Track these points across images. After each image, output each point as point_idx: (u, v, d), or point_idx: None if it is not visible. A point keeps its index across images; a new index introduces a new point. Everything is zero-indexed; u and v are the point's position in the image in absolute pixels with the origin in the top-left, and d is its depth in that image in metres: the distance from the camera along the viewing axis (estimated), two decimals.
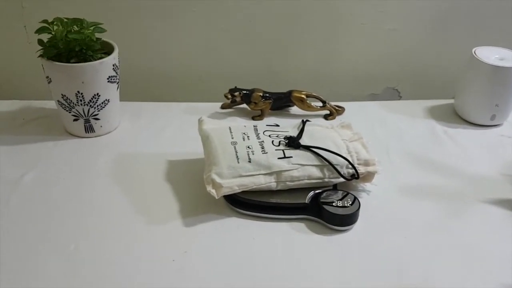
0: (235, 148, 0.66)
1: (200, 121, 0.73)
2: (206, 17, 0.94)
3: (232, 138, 0.68)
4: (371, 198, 0.69)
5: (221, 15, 0.94)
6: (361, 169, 0.68)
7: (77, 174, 0.72)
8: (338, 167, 0.67)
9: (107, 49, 0.78)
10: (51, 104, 0.82)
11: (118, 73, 0.79)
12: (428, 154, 0.80)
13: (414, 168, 0.77)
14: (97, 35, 0.76)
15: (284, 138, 0.69)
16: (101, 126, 0.80)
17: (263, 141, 0.68)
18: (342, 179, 0.67)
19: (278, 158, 0.66)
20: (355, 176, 0.68)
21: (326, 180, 0.67)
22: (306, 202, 0.65)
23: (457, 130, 0.87)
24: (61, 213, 0.65)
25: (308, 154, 0.67)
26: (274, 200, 0.65)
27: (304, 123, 0.73)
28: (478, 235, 0.64)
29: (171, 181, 0.71)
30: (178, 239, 0.62)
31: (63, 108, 0.77)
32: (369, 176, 0.70)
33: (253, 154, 0.66)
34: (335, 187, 0.68)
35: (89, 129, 0.80)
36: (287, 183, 0.65)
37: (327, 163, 0.66)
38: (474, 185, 0.73)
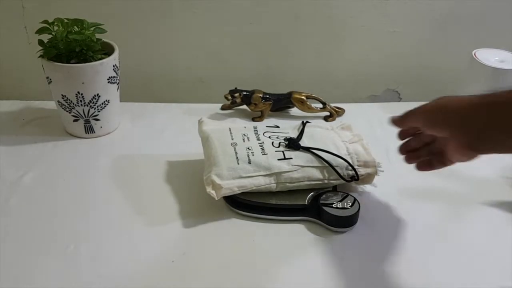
0: (235, 149, 0.66)
1: (200, 122, 0.73)
2: (206, 18, 0.94)
3: (232, 139, 0.68)
4: (371, 200, 0.69)
5: (221, 16, 0.94)
6: (361, 171, 0.68)
7: (77, 175, 0.72)
8: (338, 169, 0.67)
9: (107, 50, 0.78)
10: (51, 105, 0.82)
11: (118, 73, 0.79)
12: None
13: (414, 170, 0.76)
14: (98, 35, 0.76)
15: (284, 140, 0.69)
16: (101, 127, 0.80)
17: (263, 142, 0.68)
18: (342, 181, 0.67)
19: (278, 160, 0.66)
20: (355, 177, 0.68)
21: (326, 181, 0.67)
22: (306, 203, 0.65)
23: None
24: (61, 213, 0.65)
25: (308, 155, 0.67)
26: (273, 201, 0.65)
27: (304, 124, 0.73)
28: (478, 237, 0.64)
29: (170, 182, 0.71)
30: (178, 240, 0.62)
31: (63, 108, 0.77)
32: (369, 178, 0.70)
33: (253, 155, 0.66)
34: (334, 189, 0.68)
35: (89, 129, 0.80)
36: (287, 184, 0.65)
37: (327, 165, 0.66)
38: (474, 188, 0.73)
